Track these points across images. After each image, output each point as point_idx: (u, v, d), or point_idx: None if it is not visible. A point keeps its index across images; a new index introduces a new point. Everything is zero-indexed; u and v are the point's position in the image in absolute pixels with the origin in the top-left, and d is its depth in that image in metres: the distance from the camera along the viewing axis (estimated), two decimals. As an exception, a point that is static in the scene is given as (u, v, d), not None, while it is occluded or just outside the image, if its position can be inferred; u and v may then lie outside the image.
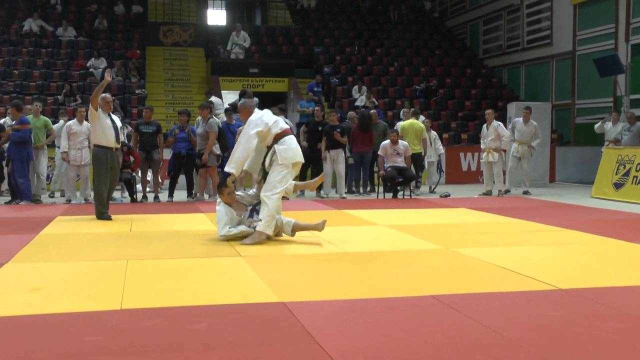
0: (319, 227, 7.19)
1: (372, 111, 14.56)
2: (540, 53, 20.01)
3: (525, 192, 13.44)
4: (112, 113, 12.67)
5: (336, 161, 12.86)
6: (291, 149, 7.15)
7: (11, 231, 8.11)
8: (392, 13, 24.59)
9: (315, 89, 18.25)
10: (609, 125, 14.48)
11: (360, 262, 5.98)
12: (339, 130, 12.83)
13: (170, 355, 3.46)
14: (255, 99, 17.50)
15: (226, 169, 7.13)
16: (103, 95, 9.19)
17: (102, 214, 9.07)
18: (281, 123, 7.23)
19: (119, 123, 9.33)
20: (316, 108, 14.14)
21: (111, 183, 9.26)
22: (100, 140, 9.02)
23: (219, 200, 7.28)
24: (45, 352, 3.50)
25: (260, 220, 7.01)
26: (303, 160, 7.37)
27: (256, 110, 7.32)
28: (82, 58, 19.70)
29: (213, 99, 17.23)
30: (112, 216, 9.12)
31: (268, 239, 7.06)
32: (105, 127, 9.01)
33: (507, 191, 13.48)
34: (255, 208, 7.26)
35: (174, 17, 23.77)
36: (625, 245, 6.93)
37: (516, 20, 21.23)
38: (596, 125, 14.60)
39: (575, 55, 18.42)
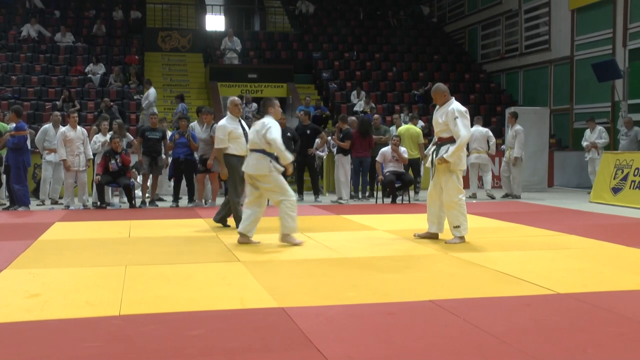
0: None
1: (375, 116, 14.57)
2: (538, 58, 20.05)
3: (516, 197, 13.56)
4: (114, 121, 12.73)
5: (336, 166, 12.86)
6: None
7: (9, 237, 8.10)
8: (390, 18, 24.63)
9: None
10: (587, 133, 14.76)
11: (359, 267, 5.97)
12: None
13: (169, 361, 3.46)
14: (254, 104, 17.60)
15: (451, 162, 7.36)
16: (232, 98, 8.83)
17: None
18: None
19: (247, 128, 8.68)
20: (301, 112, 14.09)
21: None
22: (231, 149, 8.48)
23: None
24: (44, 358, 3.49)
25: (459, 226, 7.32)
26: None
27: (453, 99, 7.46)
28: (81, 64, 19.73)
29: (150, 90, 17.14)
30: (109, 222, 9.04)
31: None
32: (236, 135, 8.49)
33: (505, 195, 13.68)
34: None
35: (172, 23, 23.80)
36: (624, 250, 6.94)
37: (514, 25, 21.26)
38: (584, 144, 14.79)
39: (574, 60, 18.46)
